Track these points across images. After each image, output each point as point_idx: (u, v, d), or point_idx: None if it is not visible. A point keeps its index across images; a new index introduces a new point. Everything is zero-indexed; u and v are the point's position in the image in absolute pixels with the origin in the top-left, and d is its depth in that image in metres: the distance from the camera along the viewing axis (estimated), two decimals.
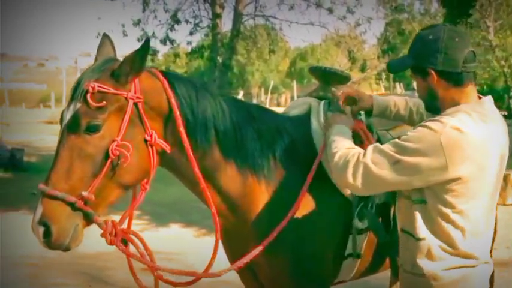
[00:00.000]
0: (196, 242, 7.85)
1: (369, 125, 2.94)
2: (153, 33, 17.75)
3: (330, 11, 17.94)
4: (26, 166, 14.21)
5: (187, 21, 17.79)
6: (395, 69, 2.56)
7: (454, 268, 2.32)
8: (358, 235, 2.78)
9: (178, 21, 17.50)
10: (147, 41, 2.43)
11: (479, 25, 17.70)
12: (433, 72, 2.34)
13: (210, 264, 2.70)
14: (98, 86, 2.34)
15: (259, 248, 2.61)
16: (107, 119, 2.36)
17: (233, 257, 2.87)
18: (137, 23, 17.96)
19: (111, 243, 2.43)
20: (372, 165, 2.30)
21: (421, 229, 2.34)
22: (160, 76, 2.55)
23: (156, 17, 17.87)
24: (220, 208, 2.68)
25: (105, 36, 2.73)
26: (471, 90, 2.37)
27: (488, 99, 2.40)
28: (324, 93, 3.03)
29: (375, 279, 3.40)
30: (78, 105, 2.35)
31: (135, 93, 2.41)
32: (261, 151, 2.67)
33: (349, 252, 2.81)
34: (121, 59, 2.48)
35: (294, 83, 38.28)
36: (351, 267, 2.88)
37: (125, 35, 18.44)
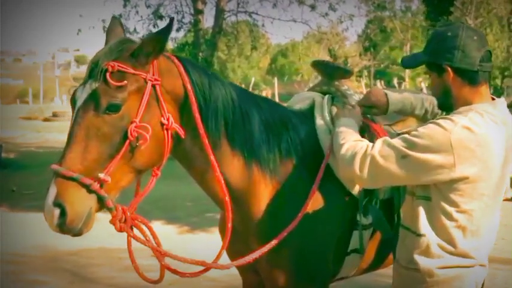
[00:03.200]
0: (179, 240, 7.79)
1: (372, 120, 2.92)
2: (135, 29, 17.64)
3: (313, 7, 17.99)
4: (4, 162, 14.01)
5: (169, 17, 17.67)
6: (408, 65, 2.55)
7: (451, 267, 2.33)
8: (363, 231, 2.76)
9: (161, 17, 17.39)
10: (171, 21, 2.40)
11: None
12: (449, 69, 2.33)
13: (220, 255, 2.65)
14: (118, 66, 2.29)
15: (272, 243, 2.57)
16: (127, 99, 2.30)
17: (233, 250, 2.82)
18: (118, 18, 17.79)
19: (120, 230, 2.37)
20: (379, 158, 2.29)
21: (423, 225, 2.34)
22: (176, 60, 2.51)
23: (137, 12, 17.77)
24: (223, 200, 2.64)
25: (114, 18, 2.72)
26: (485, 90, 2.37)
27: (501, 101, 2.40)
28: (327, 87, 3.00)
29: (375, 275, 3.40)
30: (96, 84, 2.29)
31: (153, 75, 2.38)
32: (267, 144, 2.65)
33: (352, 248, 2.79)
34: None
35: (275, 80, 38.25)
36: (354, 264, 2.86)
37: (105, 30, 18.24)
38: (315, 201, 2.66)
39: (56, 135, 23.16)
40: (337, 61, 18.56)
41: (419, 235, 2.34)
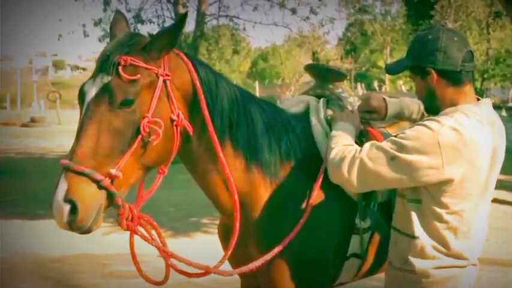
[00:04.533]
0: None
1: (369, 125, 2.89)
2: None
3: (294, 11, 18.04)
4: None
5: (150, 21, 17.65)
6: (393, 71, 2.56)
7: (445, 267, 2.34)
8: (363, 234, 2.72)
9: (142, 22, 17.31)
10: (184, 15, 2.36)
11: None
12: (432, 71, 2.35)
13: (224, 259, 2.60)
14: (131, 60, 2.25)
15: (275, 251, 2.53)
16: (139, 93, 2.26)
17: (232, 253, 2.77)
18: (98, 23, 17.74)
19: (128, 229, 2.31)
20: (367, 161, 2.29)
21: (416, 228, 2.34)
22: (185, 57, 2.48)
23: None
24: (224, 204, 2.61)
25: (118, 12, 2.67)
26: (469, 90, 2.39)
27: (487, 102, 2.42)
28: (322, 90, 2.96)
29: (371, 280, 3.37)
30: (108, 78, 2.22)
31: (164, 70, 2.34)
32: (269, 146, 2.62)
33: (352, 252, 2.76)
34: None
35: (256, 84, 38.32)
36: (353, 268, 2.82)
37: (86, 35, 18.18)
38: (314, 206, 2.62)
39: (35, 140, 22.94)
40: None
41: (414, 237, 2.35)
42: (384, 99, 2.80)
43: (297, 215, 2.59)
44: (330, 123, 2.75)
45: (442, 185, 2.25)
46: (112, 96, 2.20)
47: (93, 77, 2.28)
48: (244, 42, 25.78)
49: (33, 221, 8.74)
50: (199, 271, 2.56)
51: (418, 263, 2.34)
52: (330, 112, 2.81)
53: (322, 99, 2.89)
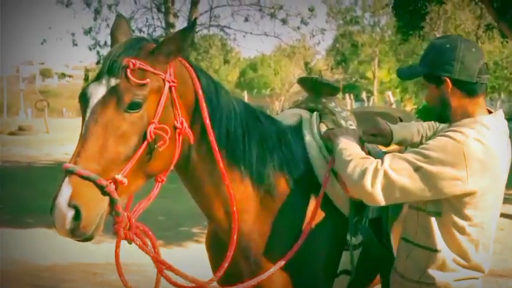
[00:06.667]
0: None
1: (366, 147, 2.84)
2: (105, 42, 17.49)
3: (284, 22, 18.09)
4: None
5: (140, 31, 17.61)
6: (405, 77, 2.54)
7: (464, 279, 2.33)
8: (353, 251, 2.68)
9: (132, 31, 17.28)
10: (194, 21, 2.35)
11: (429, 37, 18.33)
12: (448, 80, 2.32)
13: (222, 267, 2.53)
14: (139, 64, 2.22)
15: (271, 271, 2.50)
16: (147, 98, 2.21)
17: (217, 266, 2.68)
18: (88, 31, 17.68)
19: (125, 238, 2.24)
20: (391, 172, 2.23)
21: (438, 241, 2.31)
22: (187, 65, 2.45)
23: (108, 25, 17.59)
24: (218, 216, 2.57)
25: (120, 16, 2.64)
26: (483, 102, 2.38)
27: (501, 113, 2.41)
28: (315, 104, 2.90)
29: None
30: (117, 81, 2.18)
31: (170, 76, 2.30)
32: (263, 159, 2.58)
33: (342, 269, 2.71)
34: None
35: (245, 93, 38.38)
36: (344, 285, 2.77)
37: (74, 44, 18.12)
38: (308, 221, 2.59)
39: (22, 149, 22.74)
40: (311, 75, 18.65)
41: (435, 251, 2.32)
42: (388, 124, 2.77)
43: (288, 228, 2.58)
44: (323, 137, 2.71)
45: (465, 196, 2.23)
46: (120, 99, 2.16)
47: (98, 79, 2.23)
48: (234, 52, 25.82)
49: (21, 230, 8.65)
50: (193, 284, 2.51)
51: (438, 276, 2.32)
52: (323, 126, 2.77)
53: (315, 113, 2.85)
